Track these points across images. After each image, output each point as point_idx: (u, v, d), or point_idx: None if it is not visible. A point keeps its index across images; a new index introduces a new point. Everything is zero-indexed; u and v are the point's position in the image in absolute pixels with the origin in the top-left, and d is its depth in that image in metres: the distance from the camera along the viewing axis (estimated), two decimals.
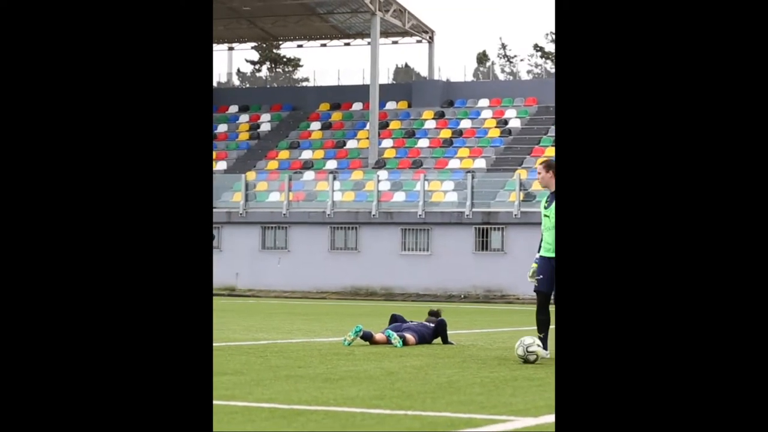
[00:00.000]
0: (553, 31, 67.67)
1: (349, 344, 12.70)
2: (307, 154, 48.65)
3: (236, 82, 68.59)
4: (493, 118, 48.53)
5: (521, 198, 40.34)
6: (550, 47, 76.84)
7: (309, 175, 45.80)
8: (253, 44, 62.54)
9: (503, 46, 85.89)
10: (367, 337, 12.88)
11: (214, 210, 44.04)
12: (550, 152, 43.30)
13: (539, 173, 11.35)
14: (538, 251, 11.20)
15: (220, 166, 48.73)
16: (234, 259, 43.18)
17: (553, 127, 45.37)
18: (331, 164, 47.30)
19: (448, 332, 13.52)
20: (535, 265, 11.12)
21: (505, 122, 48.02)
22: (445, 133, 48.03)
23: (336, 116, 51.21)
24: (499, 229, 40.15)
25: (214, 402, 7.00)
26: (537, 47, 79.45)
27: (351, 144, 48.95)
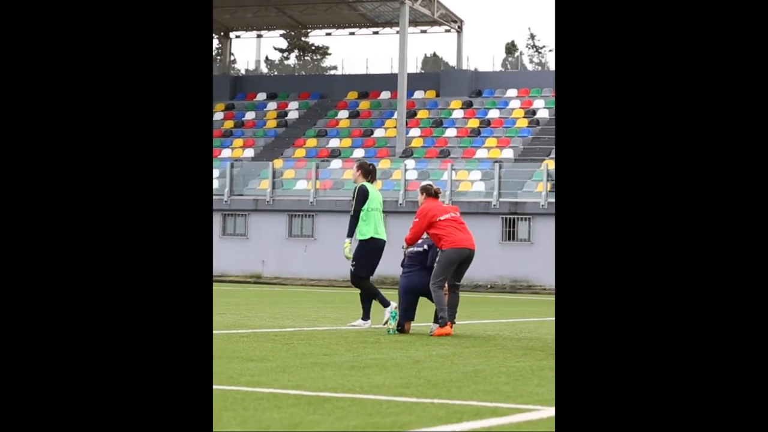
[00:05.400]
0: None
1: (393, 332, 12.87)
2: (334, 143, 48.69)
3: (264, 69, 68.68)
4: (521, 108, 48.43)
5: (549, 188, 40.23)
6: None
7: (336, 163, 45.83)
8: (282, 32, 62.56)
9: (532, 36, 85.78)
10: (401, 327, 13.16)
11: (241, 197, 44.18)
12: None
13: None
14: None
15: (247, 153, 48.83)
16: (260, 247, 43.28)
17: None
18: (359, 153, 47.31)
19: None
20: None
21: (533, 112, 47.92)
22: (473, 123, 47.96)
23: (364, 105, 51.20)
24: (526, 219, 40.09)
25: (241, 389, 7.05)
26: None
27: (378, 133, 48.94)
